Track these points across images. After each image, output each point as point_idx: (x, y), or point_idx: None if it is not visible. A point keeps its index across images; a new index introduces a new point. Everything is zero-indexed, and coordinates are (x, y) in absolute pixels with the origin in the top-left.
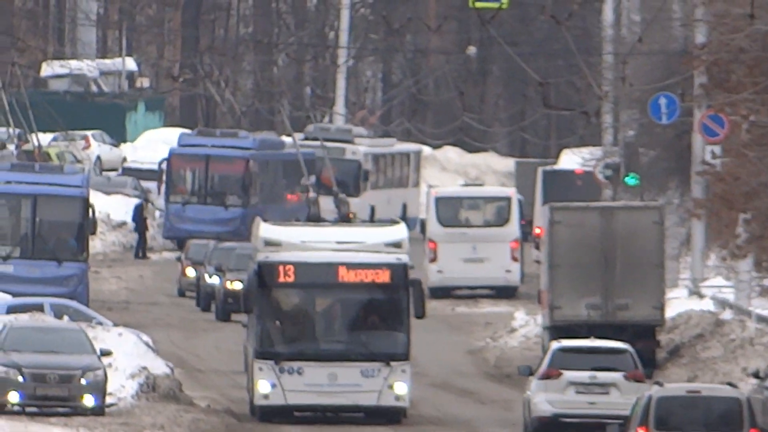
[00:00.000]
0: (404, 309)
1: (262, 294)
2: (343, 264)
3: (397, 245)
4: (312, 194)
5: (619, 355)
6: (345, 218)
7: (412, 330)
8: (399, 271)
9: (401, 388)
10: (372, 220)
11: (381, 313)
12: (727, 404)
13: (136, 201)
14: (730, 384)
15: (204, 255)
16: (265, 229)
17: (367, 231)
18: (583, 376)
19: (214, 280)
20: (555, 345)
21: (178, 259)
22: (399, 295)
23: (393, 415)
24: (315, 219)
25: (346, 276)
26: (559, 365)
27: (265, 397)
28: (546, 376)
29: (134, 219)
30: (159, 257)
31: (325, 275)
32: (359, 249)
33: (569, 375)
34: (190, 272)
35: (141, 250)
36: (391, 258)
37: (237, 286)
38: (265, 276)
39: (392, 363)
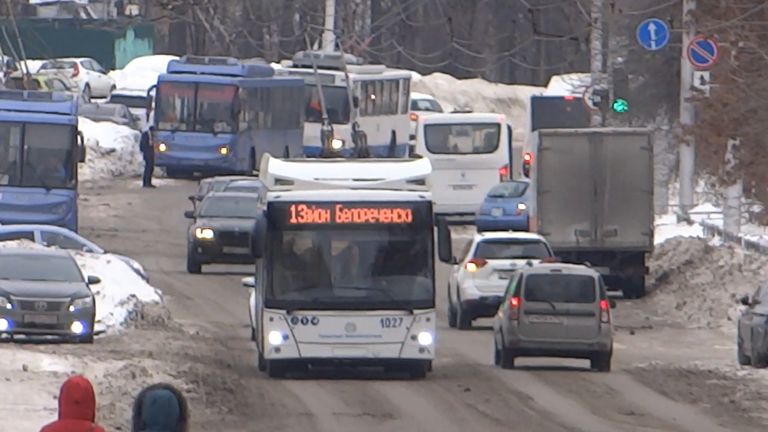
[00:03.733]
0: (428, 251)
1: (272, 237)
2: (360, 202)
3: (419, 182)
4: (326, 127)
5: (534, 245)
6: (363, 152)
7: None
8: (422, 209)
9: (426, 338)
10: (362, 146)
11: (403, 256)
12: (583, 280)
13: (142, 129)
14: (586, 265)
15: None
16: (275, 166)
17: (387, 166)
18: (505, 263)
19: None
20: (478, 237)
21: (191, 198)
22: (423, 236)
23: (416, 368)
24: (330, 154)
25: (364, 216)
26: (482, 255)
27: (277, 350)
28: (472, 264)
29: (141, 147)
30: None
31: (341, 215)
32: (378, 186)
33: (493, 263)
34: None
35: (147, 177)
36: (413, 195)
37: (207, 234)
38: (275, 217)
39: (415, 311)
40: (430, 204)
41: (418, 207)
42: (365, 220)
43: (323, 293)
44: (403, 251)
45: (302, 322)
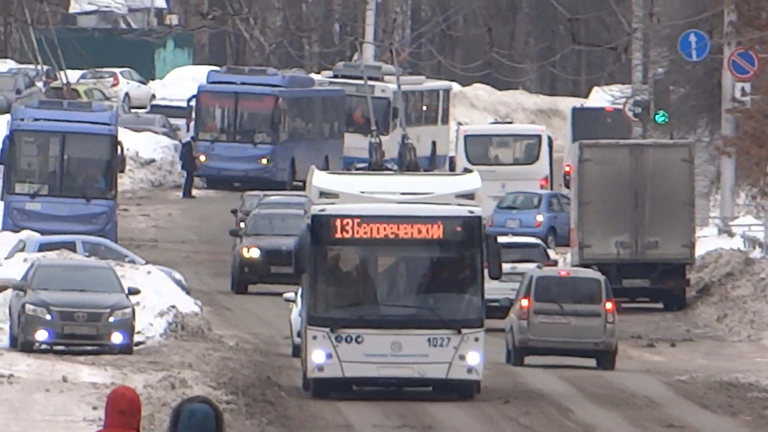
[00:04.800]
0: (477, 269)
1: (316, 252)
2: (408, 217)
3: (469, 196)
4: (374, 139)
5: (533, 248)
6: (412, 165)
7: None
8: (472, 225)
9: (474, 358)
10: (411, 158)
11: (451, 273)
12: (589, 283)
13: (182, 140)
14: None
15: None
16: (320, 179)
17: (436, 180)
18: (506, 267)
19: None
20: None
21: (234, 211)
22: (472, 253)
23: (465, 389)
24: (377, 167)
25: (411, 231)
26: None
27: (320, 369)
28: None
29: (182, 158)
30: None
31: (387, 230)
32: (426, 200)
33: None
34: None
35: (188, 188)
36: (462, 210)
37: (254, 254)
38: (319, 231)
39: (464, 330)
40: (479, 219)
41: (467, 222)
42: (412, 236)
43: (368, 311)
44: (452, 268)
45: (346, 340)
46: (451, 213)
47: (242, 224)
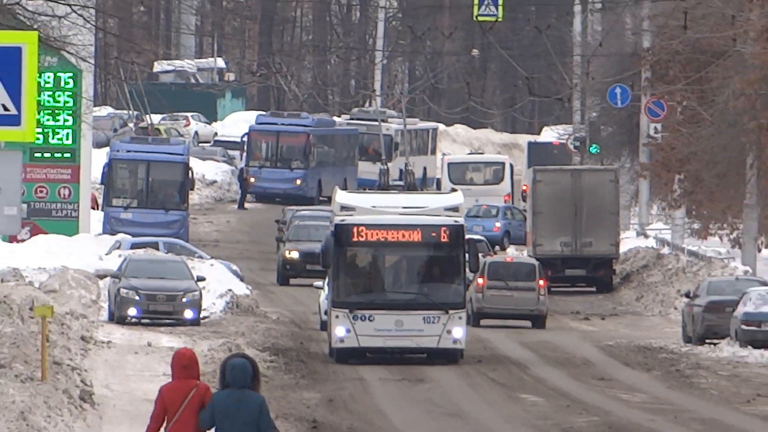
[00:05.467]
0: (461, 264)
1: (338, 252)
2: (408, 225)
3: (454, 209)
4: (383, 166)
5: (478, 243)
6: (412, 186)
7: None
8: (456, 231)
9: (458, 332)
10: (401, 179)
11: (440, 267)
12: (527, 266)
13: (237, 166)
14: (530, 256)
15: (288, 221)
16: (342, 196)
17: (429, 197)
18: None
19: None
20: None
21: (277, 221)
22: (456, 252)
23: (451, 355)
24: (385, 187)
25: (410, 236)
26: None
27: (341, 341)
28: None
29: (238, 179)
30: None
31: (392, 235)
32: (422, 213)
33: None
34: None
35: (242, 202)
36: (449, 220)
37: (294, 255)
38: (341, 236)
39: (450, 311)
40: (462, 227)
41: (453, 229)
42: (411, 239)
43: (378, 296)
44: (441, 264)
45: (361, 319)
46: (441, 222)
47: (283, 231)
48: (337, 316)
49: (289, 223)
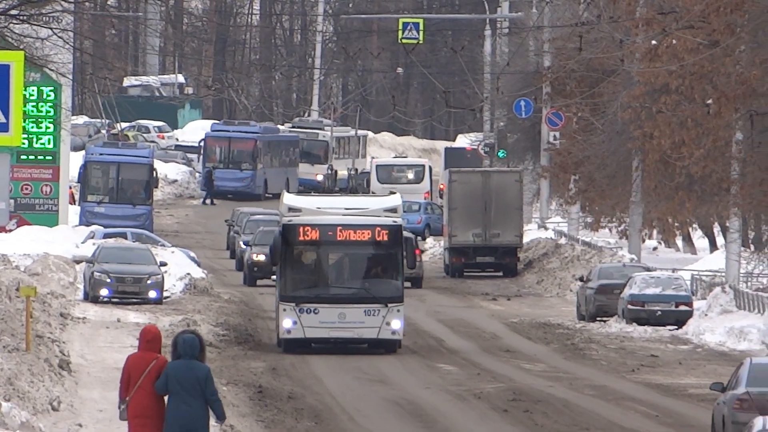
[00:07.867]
0: (399, 261)
1: (285, 250)
2: (350, 225)
3: (393, 210)
4: (328, 171)
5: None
6: (353, 189)
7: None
8: (395, 231)
9: (396, 324)
10: (334, 179)
11: (380, 264)
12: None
13: (195, 167)
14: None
15: (239, 220)
16: (289, 198)
17: (369, 199)
18: None
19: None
20: None
21: (227, 221)
22: (395, 250)
23: (390, 346)
24: (328, 190)
25: (352, 235)
26: None
27: (288, 332)
28: None
29: (205, 178)
30: (197, 203)
31: (336, 234)
32: (363, 213)
33: None
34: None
35: (208, 200)
36: (388, 221)
37: (261, 258)
38: (288, 235)
39: (389, 304)
40: (400, 227)
41: (391, 229)
42: (353, 238)
43: (322, 291)
44: (381, 261)
45: (307, 312)
46: (380, 222)
47: (234, 228)
48: (284, 309)
49: (243, 225)
